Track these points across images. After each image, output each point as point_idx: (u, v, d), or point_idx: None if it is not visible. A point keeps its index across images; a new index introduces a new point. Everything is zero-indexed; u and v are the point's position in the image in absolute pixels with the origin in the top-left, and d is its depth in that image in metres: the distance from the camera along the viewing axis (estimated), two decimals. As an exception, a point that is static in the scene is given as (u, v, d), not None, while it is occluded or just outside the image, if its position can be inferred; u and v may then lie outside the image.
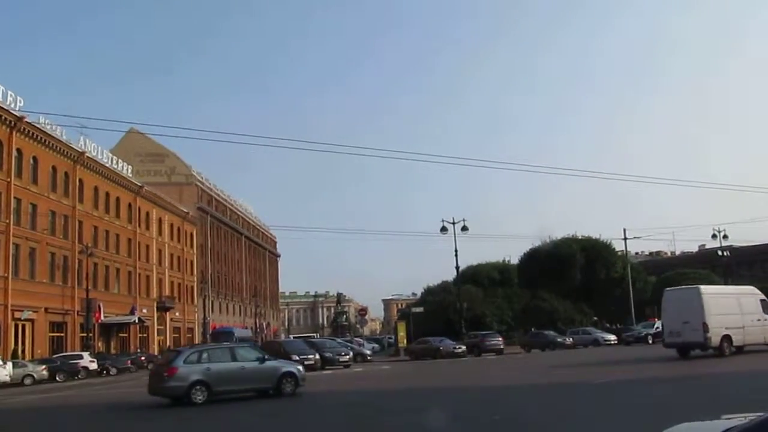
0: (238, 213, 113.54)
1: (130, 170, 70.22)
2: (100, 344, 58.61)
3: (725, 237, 63.98)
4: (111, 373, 46.32)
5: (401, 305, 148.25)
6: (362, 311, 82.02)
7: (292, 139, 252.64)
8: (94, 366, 44.36)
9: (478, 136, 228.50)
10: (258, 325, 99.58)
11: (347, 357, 39.27)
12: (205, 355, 19.82)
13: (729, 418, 4.53)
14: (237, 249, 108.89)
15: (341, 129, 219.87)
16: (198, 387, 18.84)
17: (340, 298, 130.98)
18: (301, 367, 21.63)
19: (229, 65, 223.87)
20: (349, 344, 49.19)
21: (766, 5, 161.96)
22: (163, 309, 75.27)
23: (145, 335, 70.49)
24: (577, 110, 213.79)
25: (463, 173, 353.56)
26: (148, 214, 73.47)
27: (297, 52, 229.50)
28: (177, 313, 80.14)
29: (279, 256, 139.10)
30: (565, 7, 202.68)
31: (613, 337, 53.39)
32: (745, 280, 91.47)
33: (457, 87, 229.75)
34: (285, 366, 21.18)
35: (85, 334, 54.09)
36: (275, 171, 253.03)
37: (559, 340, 51.34)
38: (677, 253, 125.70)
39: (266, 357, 20.87)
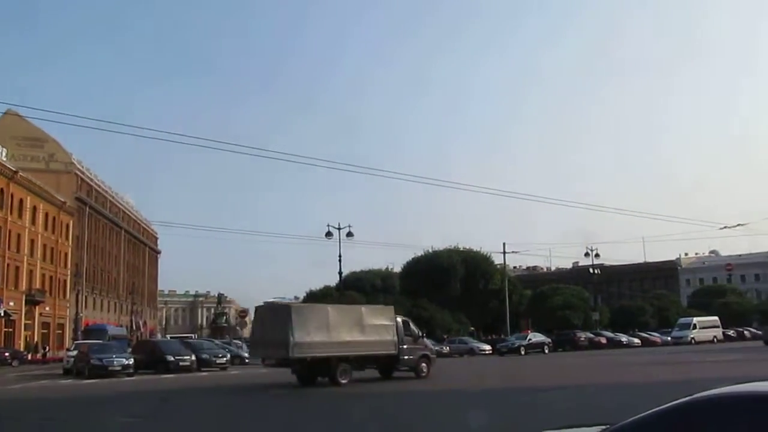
0: (119, 206, 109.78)
1: (4, 154, 66.83)
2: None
3: (597, 255, 67.35)
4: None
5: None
6: (243, 313, 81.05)
7: (179, 134, 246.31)
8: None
9: (382, 143, 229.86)
10: (134, 324, 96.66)
11: (224, 359, 38.86)
12: None
13: (579, 426, 4.82)
14: (115, 243, 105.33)
15: (238, 128, 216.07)
16: None
17: (221, 299, 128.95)
18: None
19: (129, 53, 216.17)
20: (227, 346, 48.56)
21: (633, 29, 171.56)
22: (32, 302, 71.79)
23: (10, 330, 66.90)
24: (470, 122, 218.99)
25: (357, 179, 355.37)
26: (21, 201, 69.86)
27: (192, 42, 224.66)
28: (47, 308, 76.55)
29: (160, 252, 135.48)
30: (464, 15, 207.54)
31: (488, 347, 55.12)
32: (614, 297, 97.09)
33: (358, 92, 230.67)
34: None
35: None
36: (163, 166, 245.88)
37: (436, 348, 52.40)
38: (553, 268, 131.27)
39: None
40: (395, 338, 26.16)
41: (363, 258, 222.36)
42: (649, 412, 3.75)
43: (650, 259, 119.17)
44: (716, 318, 70.39)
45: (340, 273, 55.02)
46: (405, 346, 26.64)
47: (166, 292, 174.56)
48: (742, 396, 3.62)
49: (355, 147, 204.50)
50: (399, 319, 27.43)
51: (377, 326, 26.14)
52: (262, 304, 34.58)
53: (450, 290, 68.98)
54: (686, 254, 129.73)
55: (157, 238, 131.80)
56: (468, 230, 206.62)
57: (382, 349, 25.94)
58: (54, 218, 79.20)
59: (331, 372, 24.56)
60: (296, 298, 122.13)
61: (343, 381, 24.34)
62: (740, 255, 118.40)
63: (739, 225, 52.66)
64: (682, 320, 69.89)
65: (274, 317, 25.74)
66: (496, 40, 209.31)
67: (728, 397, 3.62)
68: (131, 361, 33.43)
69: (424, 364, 27.38)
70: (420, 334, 28.88)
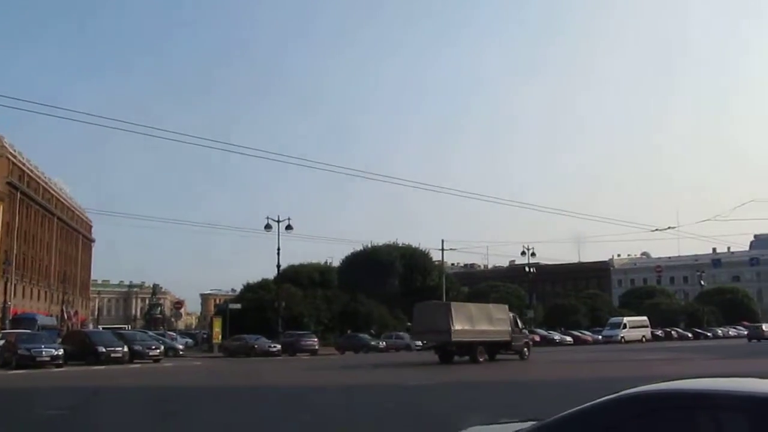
0: (52, 192, 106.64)
1: (-70, 136, 64.36)
2: None
3: (533, 255, 68.35)
4: None
5: (219, 301, 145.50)
6: (178, 304, 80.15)
7: (117, 120, 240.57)
8: None
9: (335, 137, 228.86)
10: (65, 313, 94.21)
11: (158, 351, 38.27)
12: None
13: (509, 422, 4.88)
14: (48, 230, 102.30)
15: (182, 119, 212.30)
16: None
17: (156, 290, 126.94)
18: None
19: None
20: (161, 338, 47.98)
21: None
22: (-43, 289, 69.40)
23: (-67, 317, 64.58)
24: (415, 120, 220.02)
25: (302, 173, 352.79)
26: (-53, 185, 67.44)
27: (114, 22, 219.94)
28: (-27, 295, 74.05)
29: (93, 241, 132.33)
30: (409, 17, 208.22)
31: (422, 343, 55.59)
32: (548, 295, 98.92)
33: (308, 90, 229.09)
34: None
35: None
36: (99, 152, 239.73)
37: (372, 343, 52.99)
38: (490, 266, 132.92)
39: None
40: (509, 328, 35.21)
41: (302, 251, 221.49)
42: (577, 408, 3.84)
43: (584, 260, 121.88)
44: (645, 318, 72.50)
45: (278, 266, 54.62)
46: (515, 335, 35.47)
47: (100, 282, 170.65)
48: (665, 394, 3.73)
49: (307, 141, 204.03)
50: (511, 314, 36.66)
51: (500, 319, 35.15)
52: (424, 302, 40.54)
53: (388, 286, 69.07)
54: (619, 255, 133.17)
55: (91, 227, 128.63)
56: (407, 226, 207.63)
57: (502, 337, 34.66)
58: (-18, 203, 76.65)
59: (472, 353, 33.08)
60: (233, 290, 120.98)
61: (481, 360, 32.91)
62: (669, 257, 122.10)
63: (669, 228, 54.34)
64: (613, 320, 71.76)
65: (438, 311, 33.85)
66: (441, 42, 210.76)
67: (652, 394, 3.73)
68: (60, 352, 32.58)
69: (526, 349, 36.72)
70: (523, 326, 39.42)
